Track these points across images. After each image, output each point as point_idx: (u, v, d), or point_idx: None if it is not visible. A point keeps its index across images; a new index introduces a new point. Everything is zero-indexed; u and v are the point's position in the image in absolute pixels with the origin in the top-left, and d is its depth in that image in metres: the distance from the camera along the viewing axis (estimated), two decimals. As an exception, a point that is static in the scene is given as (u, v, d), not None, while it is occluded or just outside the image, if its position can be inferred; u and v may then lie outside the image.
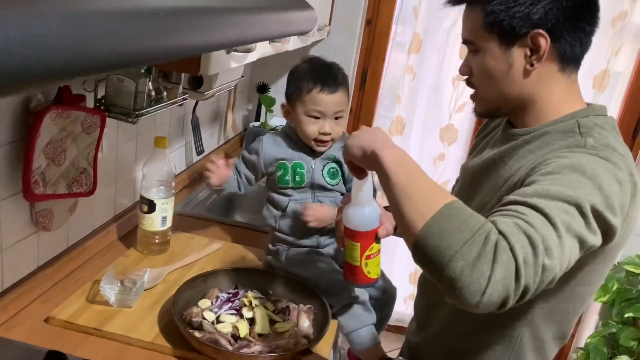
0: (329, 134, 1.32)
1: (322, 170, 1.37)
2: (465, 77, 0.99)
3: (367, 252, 1.03)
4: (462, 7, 0.96)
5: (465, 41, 0.96)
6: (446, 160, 2.54)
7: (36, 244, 1.19)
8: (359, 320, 1.27)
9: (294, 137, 1.38)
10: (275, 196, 1.38)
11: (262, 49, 1.42)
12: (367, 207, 1.01)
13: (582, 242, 0.75)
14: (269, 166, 1.38)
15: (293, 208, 1.35)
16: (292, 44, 1.74)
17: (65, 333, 1.09)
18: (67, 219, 1.25)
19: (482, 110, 1.00)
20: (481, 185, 1.01)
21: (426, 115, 2.54)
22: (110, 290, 1.17)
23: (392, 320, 1.72)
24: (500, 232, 0.69)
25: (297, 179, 1.36)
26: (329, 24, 2.33)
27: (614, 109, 2.38)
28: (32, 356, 0.98)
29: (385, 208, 1.20)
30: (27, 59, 0.31)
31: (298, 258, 1.36)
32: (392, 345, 2.81)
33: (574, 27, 0.88)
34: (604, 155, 0.82)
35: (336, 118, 1.33)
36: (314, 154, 1.37)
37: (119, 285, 1.21)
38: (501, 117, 1.02)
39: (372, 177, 1.03)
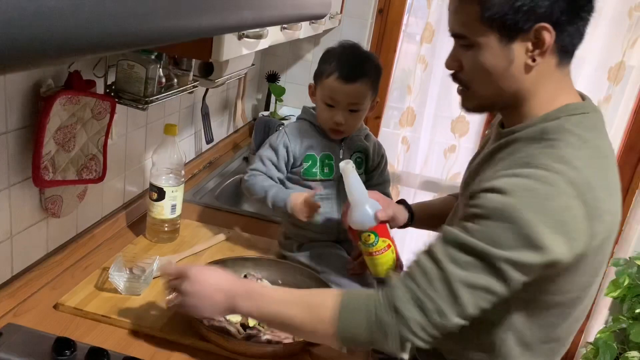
0: (342, 125, 1.28)
1: None
2: (452, 71, 0.95)
3: (369, 249, 1.13)
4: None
5: (455, 35, 0.91)
6: (457, 152, 2.52)
7: (45, 231, 1.19)
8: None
9: (317, 125, 1.33)
10: (298, 189, 1.33)
11: (274, 36, 1.41)
12: (361, 206, 1.10)
13: (491, 292, 0.82)
14: (300, 158, 1.33)
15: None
16: (304, 31, 1.72)
17: (74, 320, 1.09)
18: (76, 205, 1.24)
19: (473, 106, 0.96)
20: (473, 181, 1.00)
21: (437, 107, 2.52)
22: (119, 278, 1.17)
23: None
24: (394, 309, 0.84)
25: (326, 170, 1.33)
26: (341, 12, 2.31)
27: (628, 102, 2.35)
28: (41, 342, 0.97)
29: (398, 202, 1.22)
30: (40, 33, 0.30)
31: (314, 252, 1.34)
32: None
33: (575, 18, 0.85)
34: (548, 179, 0.80)
35: (352, 110, 1.28)
36: (341, 142, 1.34)
37: (127, 273, 1.20)
38: (492, 112, 0.99)
39: (355, 180, 1.10)
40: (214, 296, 0.96)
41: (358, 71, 1.24)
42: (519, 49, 0.86)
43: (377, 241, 1.12)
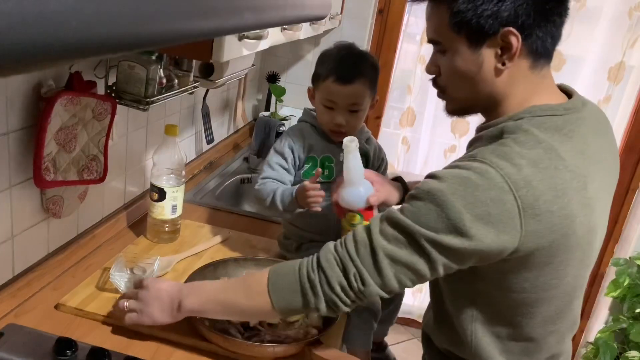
0: (343, 126, 1.28)
1: None
2: (432, 76, 0.96)
3: (350, 228, 1.13)
4: (424, 6, 0.92)
5: (431, 41, 0.93)
6: (457, 152, 2.52)
7: (46, 231, 1.19)
8: (363, 320, 1.25)
9: (318, 127, 1.33)
10: None
11: (274, 37, 1.41)
12: (355, 187, 1.12)
13: (413, 269, 0.86)
14: (303, 159, 1.33)
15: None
16: (304, 32, 1.72)
17: (75, 320, 1.09)
18: (77, 206, 1.24)
19: (452, 109, 0.98)
20: None
21: (437, 107, 2.52)
22: (120, 278, 1.17)
23: (400, 312, 1.71)
24: (320, 268, 0.91)
25: (326, 173, 1.32)
26: (341, 12, 2.31)
27: (628, 102, 2.35)
28: (42, 342, 0.98)
29: (393, 179, 1.27)
30: (42, 35, 0.30)
31: (314, 252, 1.34)
32: (399, 337, 2.81)
33: (545, 22, 0.85)
34: (483, 172, 0.81)
35: (351, 111, 1.27)
36: (340, 145, 1.34)
37: (128, 273, 1.20)
38: (473, 114, 1.00)
39: (355, 159, 1.11)
40: (163, 300, 1.01)
41: (354, 71, 1.24)
42: (488, 54, 0.87)
43: (361, 222, 1.13)
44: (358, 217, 1.13)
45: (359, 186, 1.12)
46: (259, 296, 0.94)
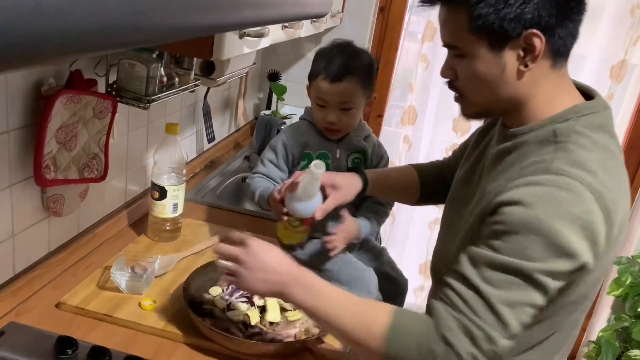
0: (335, 124, 1.29)
1: (347, 161, 1.35)
2: (447, 79, 0.94)
3: (288, 225, 1.20)
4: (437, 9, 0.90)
5: (447, 45, 0.91)
6: (458, 150, 2.51)
7: (47, 230, 1.19)
8: None
9: (315, 124, 1.34)
10: None
11: (275, 35, 1.41)
12: (305, 202, 1.15)
13: (533, 305, 0.82)
14: (298, 157, 1.34)
15: None
16: (305, 30, 1.72)
17: (76, 319, 1.09)
18: (78, 204, 1.24)
19: (471, 113, 0.96)
20: (481, 181, 0.99)
21: (439, 105, 2.52)
22: (120, 277, 1.17)
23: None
24: (444, 340, 0.82)
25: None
26: (342, 11, 2.31)
27: (630, 100, 2.34)
28: (43, 341, 0.97)
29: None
30: (39, 30, 0.30)
31: (313, 249, 1.34)
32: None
33: (567, 20, 0.84)
34: (567, 185, 0.79)
35: (343, 109, 1.28)
36: (338, 142, 1.35)
37: (129, 271, 1.20)
38: (492, 117, 0.99)
39: (313, 181, 1.13)
40: (268, 275, 0.92)
41: (344, 70, 1.25)
42: (510, 56, 0.85)
43: (299, 226, 1.19)
44: (299, 222, 1.19)
45: (308, 202, 1.15)
46: (372, 339, 0.86)
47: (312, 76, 1.30)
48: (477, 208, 0.93)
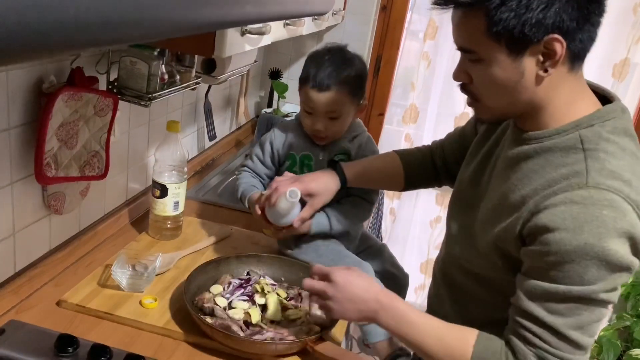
0: (321, 132, 1.28)
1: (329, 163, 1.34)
2: (460, 83, 0.92)
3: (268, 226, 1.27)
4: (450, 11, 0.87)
5: (462, 49, 0.88)
6: (460, 149, 2.51)
7: (48, 227, 1.19)
8: None
9: (303, 127, 1.34)
10: None
11: (277, 32, 1.40)
12: (283, 217, 1.21)
13: (600, 319, 0.84)
14: (284, 156, 1.36)
15: None
16: (307, 28, 1.71)
17: (77, 317, 1.09)
18: (79, 202, 1.24)
19: (487, 118, 0.95)
20: (492, 186, 0.98)
21: (440, 104, 2.51)
22: (121, 275, 1.16)
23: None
24: None
25: (305, 171, 1.34)
26: (344, 8, 2.30)
27: (632, 99, 2.34)
28: (44, 339, 0.97)
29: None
30: (39, 23, 0.29)
31: (311, 247, 1.34)
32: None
33: (587, 24, 0.82)
34: (607, 201, 0.79)
35: (331, 118, 1.27)
36: (323, 145, 1.34)
37: (130, 270, 1.20)
38: (507, 120, 0.97)
39: (291, 207, 1.19)
40: (358, 305, 0.97)
41: (332, 79, 1.23)
42: (530, 62, 0.83)
43: (282, 229, 1.27)
44: (281, 227, 1.25)
45: (287, 215, 1.21)
46: None
47: (301, 81, 1.29)
48: (498, 218, 0.91)
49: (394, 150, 1.32)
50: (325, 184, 1.23)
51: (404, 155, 1.29)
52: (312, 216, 1.27)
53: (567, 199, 0.81)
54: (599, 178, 0.81)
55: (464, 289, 1.04)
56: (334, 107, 1.26)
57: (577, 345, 0.84)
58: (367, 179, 1.29)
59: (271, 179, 1.35)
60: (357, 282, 0.98)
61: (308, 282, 1.01)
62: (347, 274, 0.99)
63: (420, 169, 1.28)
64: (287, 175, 1.24)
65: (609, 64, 2.27)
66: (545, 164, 0.87)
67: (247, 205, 1.35)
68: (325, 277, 0.99)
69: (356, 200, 1.35)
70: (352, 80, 1.26)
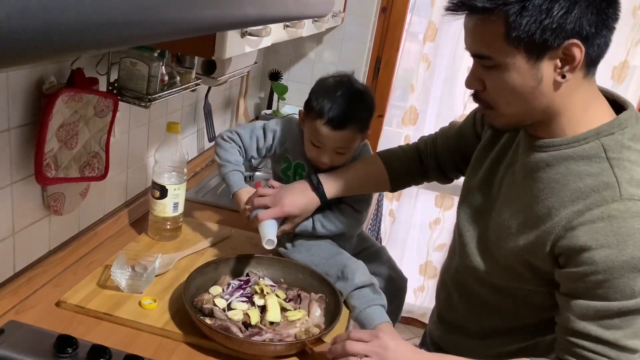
0: (327, 164, 1.29)
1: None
2: (472, 90, 0.90)
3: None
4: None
5: (476, 55, 0.86)
6: (459, 151, 2.51)
7: (48, 228, 1.19)
8: (367, 299, 1.24)
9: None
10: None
11: (277, 34, 1.40)
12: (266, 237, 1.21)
13: None
14: (278, 155, 1.37)
15: None
16: (307, 29, 1.71)
17: (76, 317, 1.09)
18: (78, 203, 1.24)
19: (501, 125, 0.92)
20: (507, 196, 0.96)
21: (440, 106, 2.51)
22: (121, 276, 1.16)
23: (402, 312, 1.70)
24: None
25: (297, 178, 1.36)
26: (344, 10, 2.30)
27: (632, 102, 2.34)
28: (43, 339, 0.97)
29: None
30: (42, 24, 0.30)
31: (305, 246, 1.34)
32: (401, 337, 2.80)
33: (605, 29, 0.81)
34: None
35: (339, 152, 1.27)
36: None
37: (129, 270, 1.20)
38: (522, 127, 0.95)
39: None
40: None
41: (347, 117, 1.22)
42: (548, 67, 0.82)
43: None
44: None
45: (268, 234, 1.22)
46: None
47: (310, 111, 1.26)
48: (522, 229, 0.91)
49: (377, 153, 1.31)
50: (304, 205, 1.25)
51: (386, 157, 1.29)
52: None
53: (605, 214, 0.81)
54: (632, 189, 0.81)
55: (483, 299, 1.03)
56: (345, 144, 1.26)
57: (634, 351, 0.84)
58: (350, 188, 1.28)
59: (250, 161, 1.38)
60: (398, 350, 0.96)
61: (351, 344, 0.97)
62: (390, 339, 0.97)
63: (404, 169, 1.27)
64: (269, 191, 1.26)
65: (607, 66, 2.28)
66: (567, 172, 0.86)
67: (231, 198, 1.35)
68: (368, 340, 0.97)
69: (344, 208, 1.35)
70: (364, 117, 1.26)
